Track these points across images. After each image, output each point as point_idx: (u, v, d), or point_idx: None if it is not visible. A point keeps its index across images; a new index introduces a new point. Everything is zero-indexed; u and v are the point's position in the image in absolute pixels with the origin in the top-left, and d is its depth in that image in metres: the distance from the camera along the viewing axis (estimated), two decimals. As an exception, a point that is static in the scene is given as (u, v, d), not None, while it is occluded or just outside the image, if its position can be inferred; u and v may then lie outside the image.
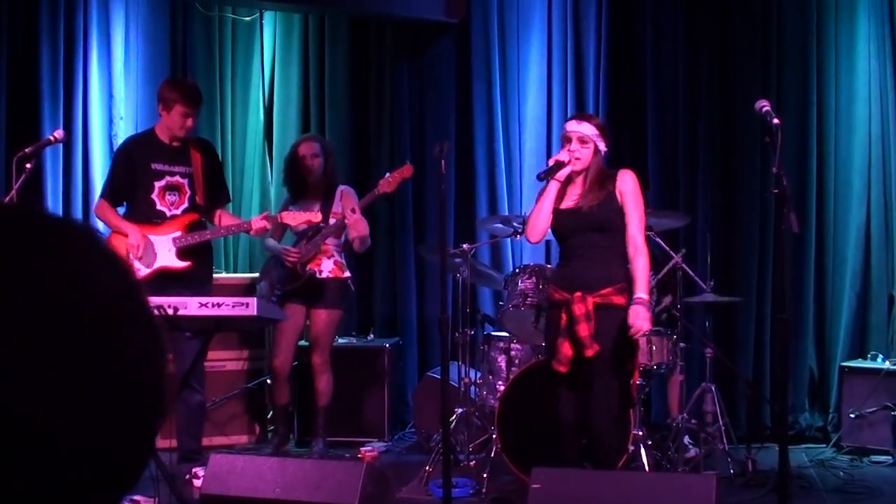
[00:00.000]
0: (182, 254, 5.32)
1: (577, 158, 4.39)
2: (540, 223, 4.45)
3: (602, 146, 4.42)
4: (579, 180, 4.45)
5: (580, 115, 4.68)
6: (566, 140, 4.43)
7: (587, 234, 4.38)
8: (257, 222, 5.35)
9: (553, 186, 4.43)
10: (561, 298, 4.36)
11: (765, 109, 4.10)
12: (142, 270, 5.24)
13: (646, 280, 4.33)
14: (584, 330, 4.26)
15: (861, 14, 6.43)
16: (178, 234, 5.35)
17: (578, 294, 4.29)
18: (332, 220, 5.70)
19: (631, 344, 4.33)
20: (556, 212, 4.45)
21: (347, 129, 7.12)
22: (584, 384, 4.34)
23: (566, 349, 4.30)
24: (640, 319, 4.23)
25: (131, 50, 6.77)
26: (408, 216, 6.91)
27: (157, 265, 5.28)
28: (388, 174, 5.56)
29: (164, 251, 5.30)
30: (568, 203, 4.43)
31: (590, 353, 4.25)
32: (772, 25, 6.50)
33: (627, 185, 4.39)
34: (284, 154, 6.57)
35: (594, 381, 4.30)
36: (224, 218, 5.55)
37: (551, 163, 4.45)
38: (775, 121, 4.02)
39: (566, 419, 4.36)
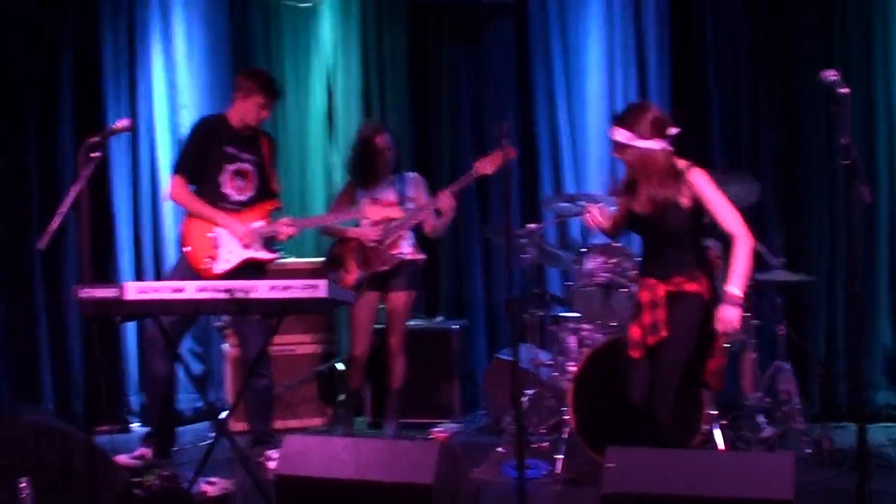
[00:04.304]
0: (267, 244, 5.37)
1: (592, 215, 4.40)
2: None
3: (648, 144, 4.14)
4: (642, 182, 4.23)
5: (615, 116, 4.30)
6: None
7: (657, 236, 4.28)
8: (285, 229, 5.39)
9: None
10: (640, 282, 4.32)
11: (832, 79, 3.99)
12: (230, 262, 5.28)
13: (742, 273, 4.06)
14: (647, 317, 4.22)
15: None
16: (262, 223, 5.38)
17: (652, 281, 4.24)
18: (409, 205, 5.73)
19: (709, 333, 4.20)
20: (629, 214, 4.33)
21: (407, 112, 7.13)
22: (652, 370, 4.27)
23: (634, 333, 4.25)
24: (727, 322, 4.07)
25: (193, 38, 6.82)
26: (472, 197, 6.88)
27: (245, 256, 5.32)
28: (486, 156, 5.49)
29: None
30: (636, 206, 4.28)
31: (650, 340, 4.19)
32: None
33: (699, 184, 4.15)
34: (347, 138, 6.60)
35: (658, 371, 4.22)
36: None
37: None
38: (843, 90, 3.92)
39: (635, 402, 4.29)
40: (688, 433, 4.65)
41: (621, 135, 4.19)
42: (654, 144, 4.17)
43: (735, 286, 4.07)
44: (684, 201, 4.18)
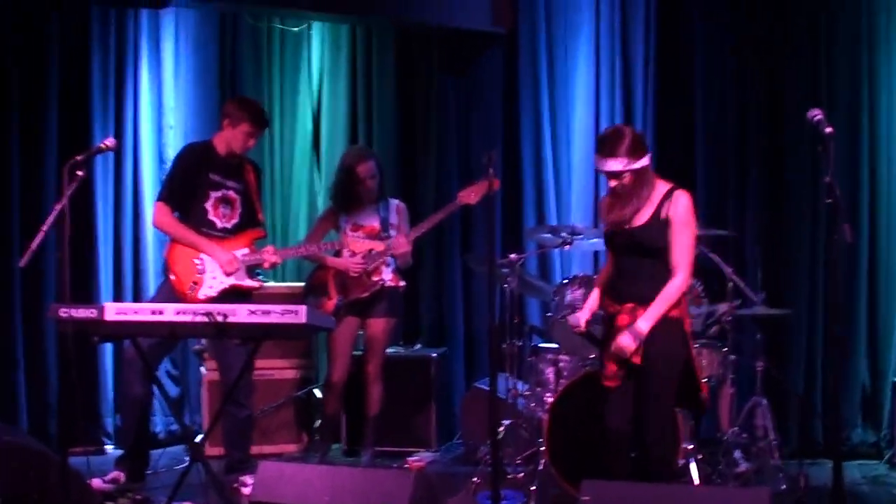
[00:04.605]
0: (250, 272, 5.37)
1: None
2: None
3: (640, 163, 4.20)
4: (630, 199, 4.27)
5: (600, 148, 4.27)
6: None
7: (638, 254, 4.26)
8: (269, 257, 5.40)
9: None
10: (613, 311, 4.31)
11: (817, 119, 4.03)
12: (214, 288, 5.27)
13: (656, 313, 4.13)
14: None
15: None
16: (246, 251, 5.38)
17: (630, 305, 4.23)
18: (392, 233, 5.73)
19: (686, 357, 4.23)
20: (614, 232, 4.34)
21: (394, 139, 7.12)
22: (634, 395, 4.27)
23: (609, 366, 4.26)
24: (620, 350, 4.16)
25: (181, 60, 6.82)
26: (455, 225, 6.89)
27: (230, 283, 5.32)
28: (471, 185, 5.49)
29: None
30: (619, 218, 4.29)
31: (636, 360, 4.17)
32: (821, 31, 6.41)
33: (677, 209, 4.20)
34: (332, 164, 6.60)
35: (643, 394, 4.23)
36: None
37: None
38: (828, 130, 3.96)
39: (614, 430, 4.29)
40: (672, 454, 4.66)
41: (615, 164, 4.19)
42: (645, 161, 4.23)
43: (645, 321, 4.14)
44: (666, 220, 4.21)
